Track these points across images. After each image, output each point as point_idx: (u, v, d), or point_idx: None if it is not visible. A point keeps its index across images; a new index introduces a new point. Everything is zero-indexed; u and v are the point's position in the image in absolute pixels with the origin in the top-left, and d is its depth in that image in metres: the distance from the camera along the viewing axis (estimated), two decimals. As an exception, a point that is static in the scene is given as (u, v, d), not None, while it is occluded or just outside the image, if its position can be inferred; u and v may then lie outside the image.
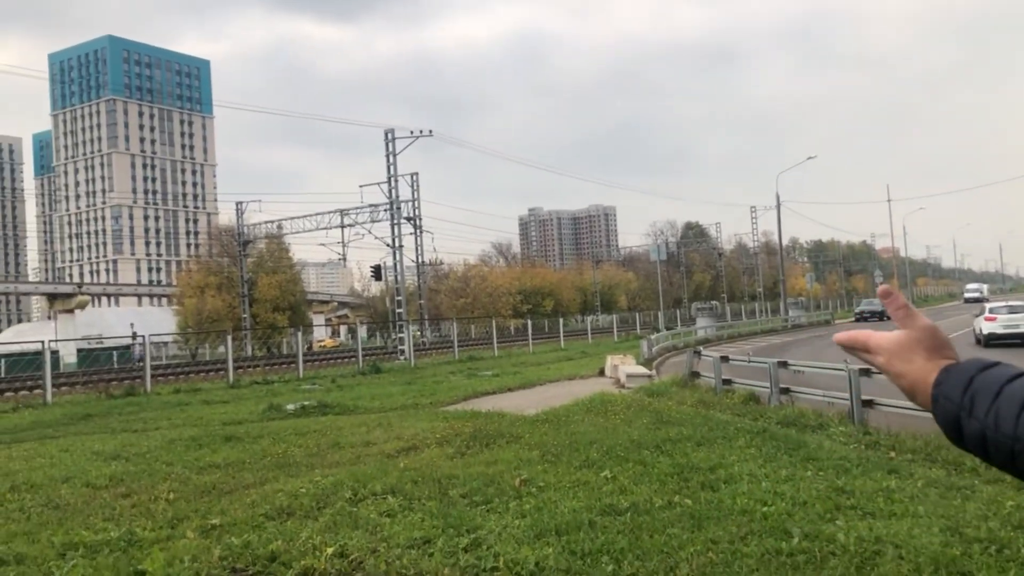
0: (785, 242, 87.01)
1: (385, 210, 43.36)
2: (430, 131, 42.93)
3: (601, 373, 25.62)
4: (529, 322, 52.11)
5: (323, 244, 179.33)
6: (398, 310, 42.48)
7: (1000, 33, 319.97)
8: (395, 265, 43.61)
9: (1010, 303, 32.05)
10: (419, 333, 55.30)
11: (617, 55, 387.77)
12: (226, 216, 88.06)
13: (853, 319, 62.02)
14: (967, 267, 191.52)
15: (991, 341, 29.20)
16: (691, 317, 59.52)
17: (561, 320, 57.68)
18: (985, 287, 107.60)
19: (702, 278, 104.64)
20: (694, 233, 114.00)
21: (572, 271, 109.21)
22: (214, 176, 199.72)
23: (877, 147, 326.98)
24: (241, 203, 54.43)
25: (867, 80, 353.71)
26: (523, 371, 28.72)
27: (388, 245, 43.17)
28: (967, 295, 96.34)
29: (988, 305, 32.24)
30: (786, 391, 14.76)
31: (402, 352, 38.96)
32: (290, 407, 19.01)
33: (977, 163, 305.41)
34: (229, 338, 32.43)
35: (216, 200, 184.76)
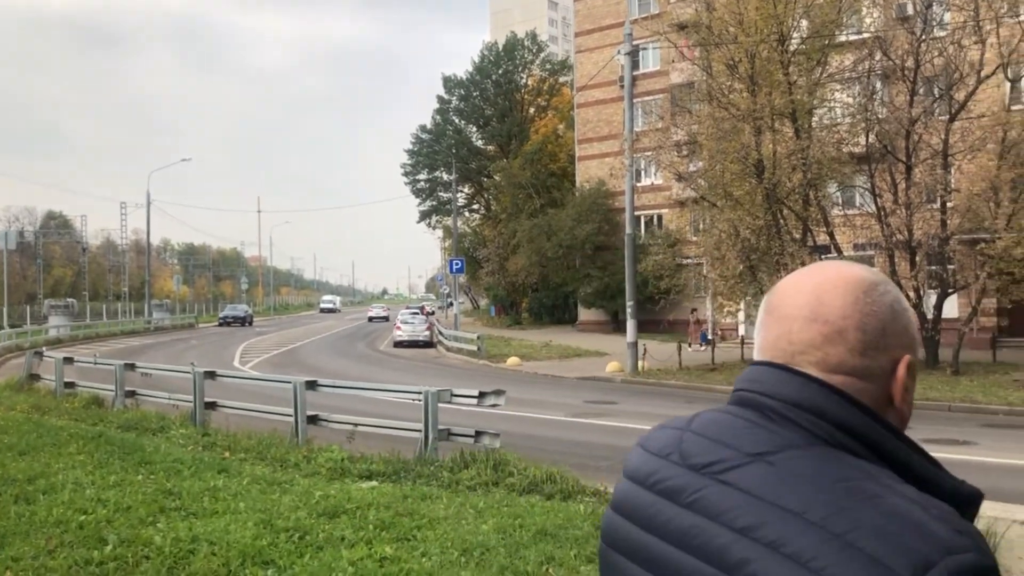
0: (156, 242, 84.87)
1: None
2: None
3: (-85, 376, 21.77)
4: None
5: None
6: None
7: (359, 69, 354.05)
8: None
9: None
10: None
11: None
12: None
13: (217, 323, 63.16)
14: (326, 280, 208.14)
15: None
16: (44, 315, 54.09)
17: None
18: (338, 299, 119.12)
19: (63, 273, 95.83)
20: (56, 224, 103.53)
21: None
22: None
23: (255, 157, 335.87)
24: None
25: (253, 93, 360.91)
26: None
27: None
28: (322, 305, 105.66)
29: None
30: (132, 394, 14.35)
31: None
32: None
33: (342, 185, 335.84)
34: None
35: None
